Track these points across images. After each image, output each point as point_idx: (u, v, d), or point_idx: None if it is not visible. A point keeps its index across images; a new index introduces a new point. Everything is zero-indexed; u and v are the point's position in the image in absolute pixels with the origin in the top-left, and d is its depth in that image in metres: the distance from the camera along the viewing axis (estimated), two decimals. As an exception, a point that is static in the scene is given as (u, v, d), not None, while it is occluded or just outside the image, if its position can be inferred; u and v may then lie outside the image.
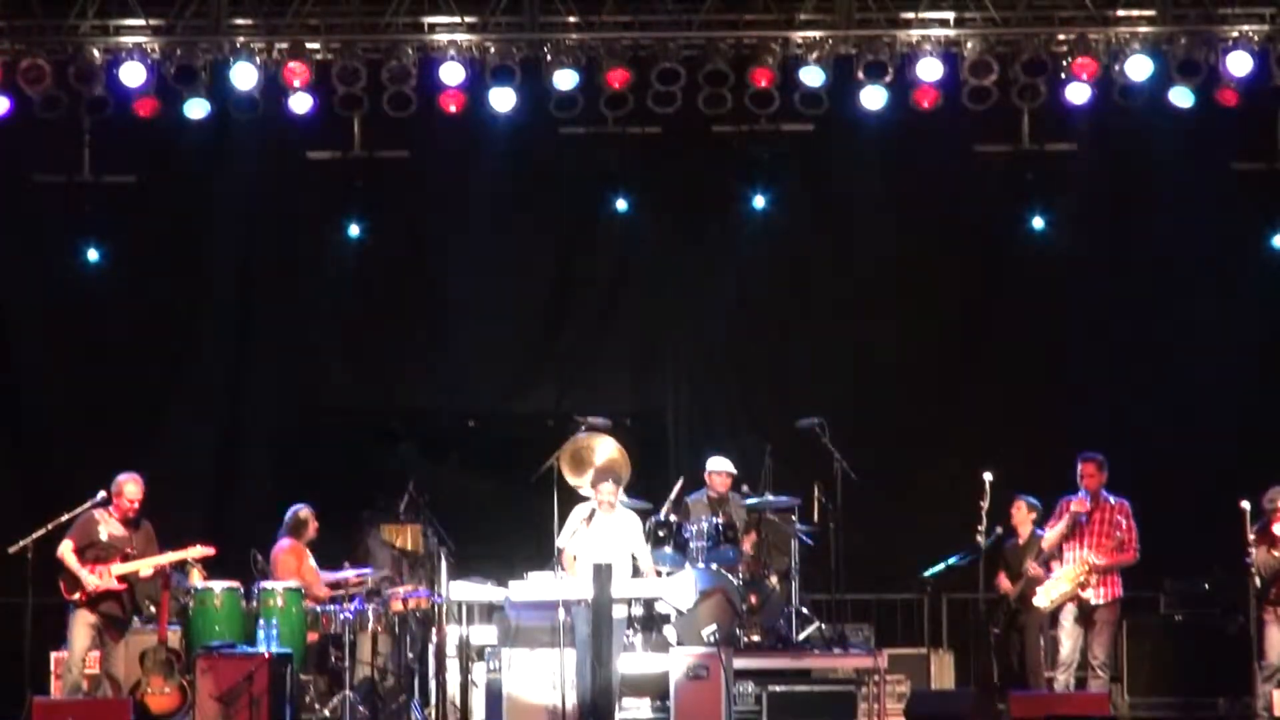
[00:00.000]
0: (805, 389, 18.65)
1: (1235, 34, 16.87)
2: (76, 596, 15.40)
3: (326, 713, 16.13)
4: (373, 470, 18.45)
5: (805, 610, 17.20)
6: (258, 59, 17.03)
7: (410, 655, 16.36)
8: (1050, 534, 16.27)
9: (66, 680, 15.54)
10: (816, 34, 17.08)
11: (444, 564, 16.32)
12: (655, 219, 19.00)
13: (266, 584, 16.11)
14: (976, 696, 16.33)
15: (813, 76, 17.10)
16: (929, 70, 17.00)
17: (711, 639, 15.85)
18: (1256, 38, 16.87)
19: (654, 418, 19.20)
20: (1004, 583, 16.66)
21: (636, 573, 15.76)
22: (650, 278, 19.26)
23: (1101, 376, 18.81)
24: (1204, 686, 17.44)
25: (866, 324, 19.01)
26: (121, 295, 18.87)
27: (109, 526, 15.50)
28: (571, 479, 16.80)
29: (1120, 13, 17.05)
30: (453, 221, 19.08)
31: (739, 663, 16.15)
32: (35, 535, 15.59)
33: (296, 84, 17.06)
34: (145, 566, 15.48)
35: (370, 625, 16.39)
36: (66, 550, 15.38)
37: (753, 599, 16.86)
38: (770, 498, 17.16)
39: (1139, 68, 16.91)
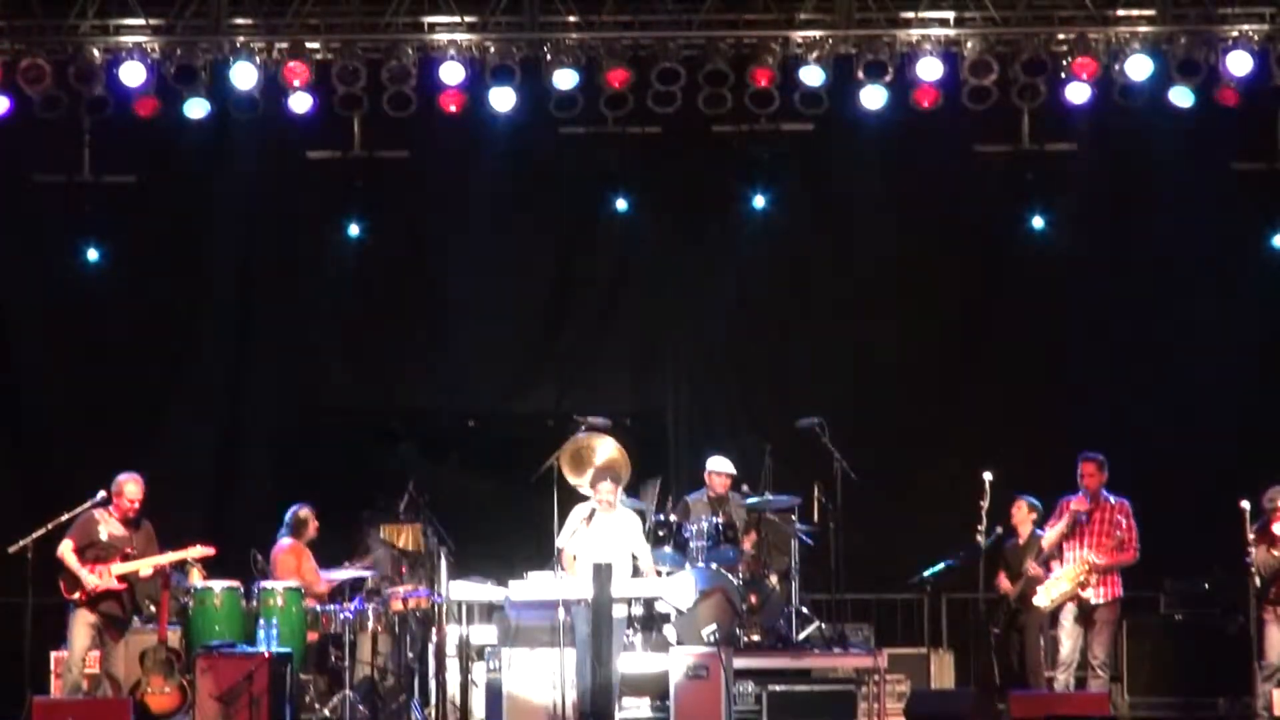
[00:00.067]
0: (805, 389, 18.65)
1: (1235, 34, 16.87)
2: (76, 596, 15.40)
3: (326, 712, 16.13)
4: (373, 470, 18.45)
5: (805, 610, 17.20)
6: (258, 59, 17.03)
7: (410, 655, 16.36)
8: (1050, 534, 16.28)
9: (66, 680, 15.54)
10: (816, 34, 17.08)
11: (444, 564, 16.33)
12: (655, 219, 19.00)
13: (266, 584, 16.12)
14: (976, 696, 16.32)
15: (813, 76, 17.10)
16: (929, 70, 17.00)
17: (711, 639, 15.86)
18: (1256, 38, 16.87)
19: (654, 418, 19.20)
20: (1004, 583, 16.66)
21: (636, 572, 15.77)
22: (650, 278, 19.26)
23: (1101, 376, 18.81)
24: (1204, 686, 17.43)
25: (866, 324, 19.01)
26: (121, 295, 18.87)
27: (109, 526, 15.50)
28: (571, 479, 16.81)
29: (1120, 12, 17.05)
30: (453, 221, 19.08)
31: (739, 662, 16.15)
32: (35, 535, 15.59)
33: (296, 84, 17.06)
34: (145, 566, 15.47)
35: (370, 625, 16.40)
36: (66, 550, 15.38)
37: (753, 599, 16.87)
38: (770, 498, 17.16)
39: (1139, 67, 16.91)
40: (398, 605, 16.31)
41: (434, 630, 16.41)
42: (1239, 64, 16.83)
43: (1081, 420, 18.26)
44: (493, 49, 17.09)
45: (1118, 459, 16.43)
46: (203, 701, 15.22)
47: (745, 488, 17.34)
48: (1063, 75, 17.07)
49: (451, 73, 17.06)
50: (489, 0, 17.11)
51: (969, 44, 17.02)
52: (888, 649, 16.84)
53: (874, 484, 17.40)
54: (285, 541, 16.76)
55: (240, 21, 17.11)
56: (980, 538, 16.24)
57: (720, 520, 16.81)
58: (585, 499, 16.02)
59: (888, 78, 17.10)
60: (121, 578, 15.42)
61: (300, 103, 17.18)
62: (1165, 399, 18.63)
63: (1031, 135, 17.89)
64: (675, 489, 17.79)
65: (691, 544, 16.66)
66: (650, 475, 17.64)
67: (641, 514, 16.48)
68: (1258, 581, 15.92)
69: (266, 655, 15.33)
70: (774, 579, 17.21)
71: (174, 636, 15.93)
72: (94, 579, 15.33)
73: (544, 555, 16.44)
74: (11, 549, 15.65)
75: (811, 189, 18.98)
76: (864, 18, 17.08)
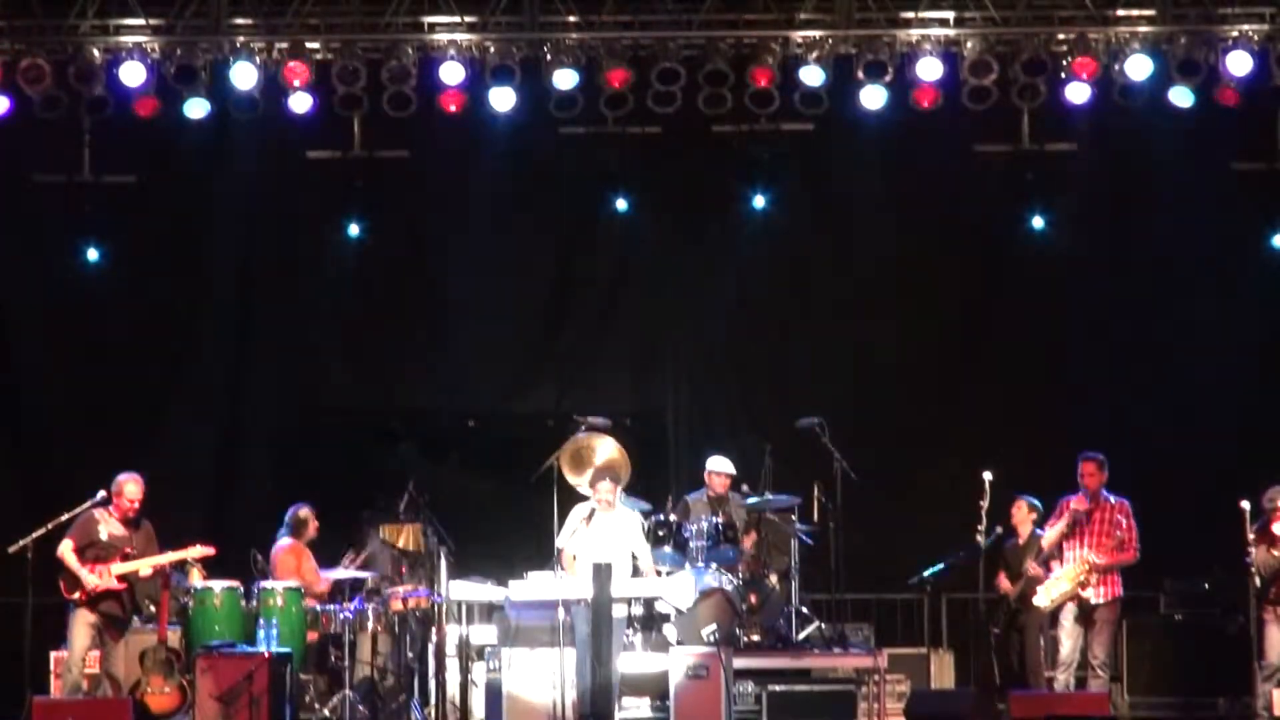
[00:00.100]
0: (805, 389, 18.65)
1: (1235, 34, 16.87)
2: (76, 596, 15.40)
3: (326, 712, 16.13)
4: (373, 470, 18.44)
5: (805, 610, 17.20)
6: (258, 59, 17.03)
7: (410, 655, 16.36)
8: (1050, 533, 16.27)
9: (66, 680, 15.54)
10: (816, 34, 17.08)
11: (444, 564, 16.33)
12: (655, 219, 19.00)
13: (266, 584, 16.12)
14: (976, 696, 16.32)
15: (813, 76, 17.10)
16: (929, 70, 17.00)
17: (711, 638, 15.85)
18: (1256, 38, 16.87)
19: (654, 418, 19.20)
20: (1004, 583, 16.66)
21: (636, 572, 15.77)
22: (650, 278, 19.26)
23: (1101, 376, 18.81)
24: (1204, 686, 17.43)
25: (866, 324, 19.01)
26: (121, 295, 18.87)
27: (109, 526, 15.49)
28: (571, 479, 16.81)
29: (1120, 12, 17.06)
30: (453, 221, 19.08)
31: (739, 662, 16.14)
32: (35, 535, 15.58)
33: (296, 84, 17.07)
34: (145, 566, 15.47)
35: (370, 625, 16.39)
36: (66, 550, 15.38)
37: (753, 599, 16.86)
38: (770, 497, 17.15)
39: (1139, 67, 16.91)
40: (398, 605, 16.31)
41: (434, 630, 16.41)
42: (1239, 64, 16.83)
43: (1081, 420, 18.26)
44: (493, 49, 17.09)
45: (1118, 459, 16.43)
46: (203, 701, 15.22)
47: (745, 487, 17.33)
48: (1063, 75, 17.07)
49: (451, 73, 17.06)
50: (489, 0, 17.11)
51: (969, 44, 17.02)
52: (888, 649, 16.83)
53: (874, 484, 17.40)
54: (285, 541, 16.76)
55: (240, 21, 17.11)
56: (980, 538, 16.23)
57: (720, 520, 16.81)
58: (585, 499, 16.02)
59: (888, 78, 17.10)
60: (121, 578, 15.41)
61: (300, 103, 17.18)
62: (1165, 399, 18.63)
63: (1031, 135, 17.90)
64: (675, 489, 17.79)
65: (691, 544, 16.66)
66: (650, 475, 17.64)
67: (646, 514, 16.49)
68: (1258, 581, 15.91)
69: (266, 655, 15.33)
70: (774, 579, 17.20)
71: (174, 636, 15.93)
72: (94, 579, 15.33)
73: (544, 555, 16.44)
74: (11, 549, 15.65)
75: (811, 189, 18.98)
76: (864, 18, 17.09)
